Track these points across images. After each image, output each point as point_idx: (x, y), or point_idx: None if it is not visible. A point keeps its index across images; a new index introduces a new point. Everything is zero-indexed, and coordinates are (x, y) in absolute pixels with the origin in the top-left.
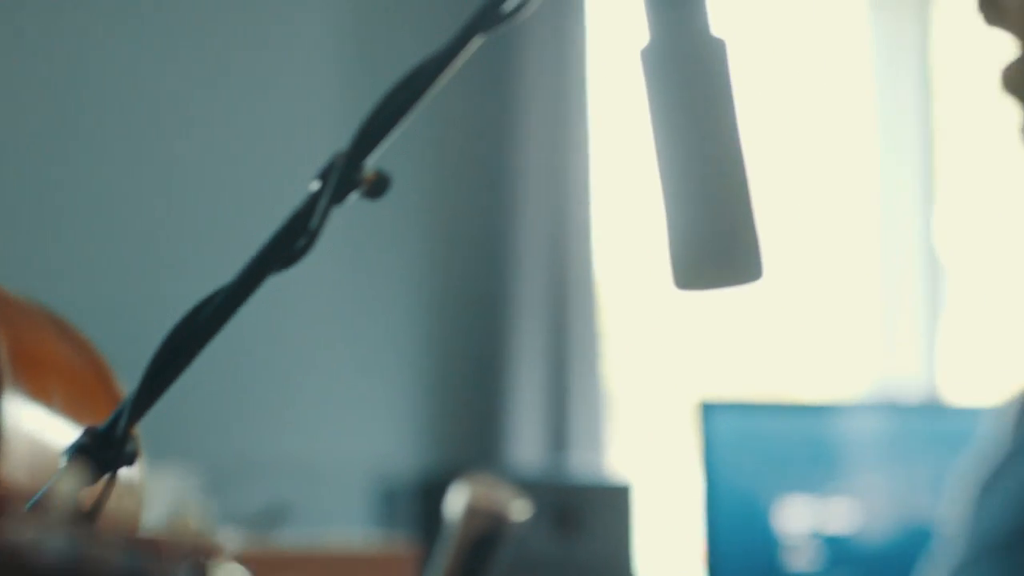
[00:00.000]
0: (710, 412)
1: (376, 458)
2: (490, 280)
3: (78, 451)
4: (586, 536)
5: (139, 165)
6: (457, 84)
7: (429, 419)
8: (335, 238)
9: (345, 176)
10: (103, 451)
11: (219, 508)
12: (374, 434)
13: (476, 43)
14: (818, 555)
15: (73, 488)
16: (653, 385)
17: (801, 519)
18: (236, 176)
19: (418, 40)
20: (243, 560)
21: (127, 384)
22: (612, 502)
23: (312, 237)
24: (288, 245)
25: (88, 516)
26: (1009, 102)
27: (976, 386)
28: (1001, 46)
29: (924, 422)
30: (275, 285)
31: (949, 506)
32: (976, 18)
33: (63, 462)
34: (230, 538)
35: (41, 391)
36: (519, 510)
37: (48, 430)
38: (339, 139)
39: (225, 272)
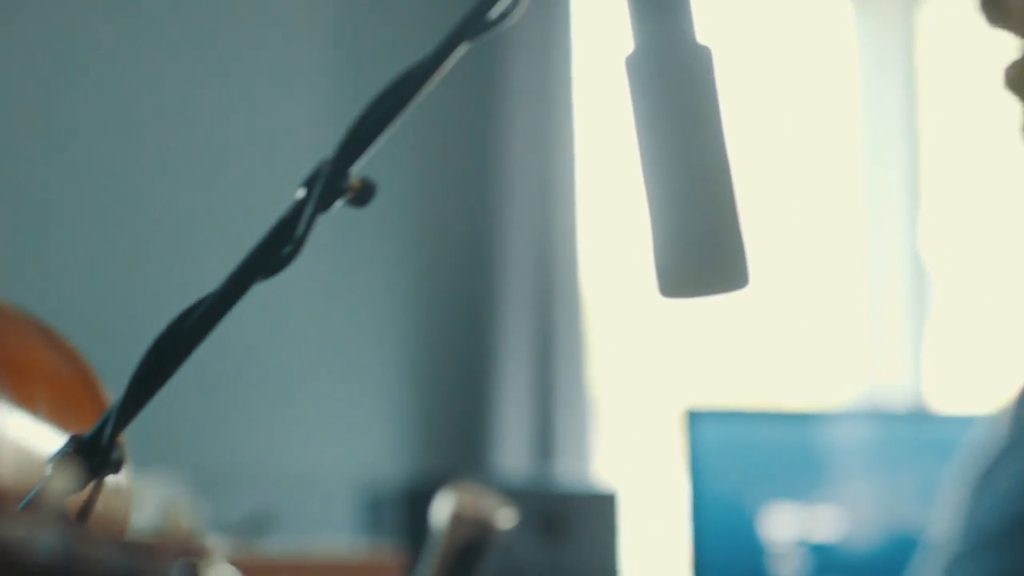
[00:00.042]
0: (696, 420)
1: (362, 466)
2: (476, 288)
3: (64, 459)
4: (572, 544)
5: (125, 172)
6: (443, 91)
7: (415, 427)
8: (321, 246)
9: (331, 183)
10: (89, 459)
11: (205, 515)
12: (360, 442)
13: (462, 50)
14: (804, 563)
15: (64, 488)
16: (639, 393)
17: (787, 527)
18: (222, 183)
19: (404, 47)
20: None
21: (113, 391)
22: (598, 510)
23: (298, 245)
24: (274, 253)
25: (78, 518)
26: (1010, 100)
27: (962, 394)
28: (990, 50)
29: (910, 430)
30: (261, 293)
31: (941, 509)
32: (977, 18)
33: (49, 470)
34: (216, 545)
35: (27, 398)
36: (505, 518)
37: (34, 437)
38: (325, 146)
39: (211, 279)
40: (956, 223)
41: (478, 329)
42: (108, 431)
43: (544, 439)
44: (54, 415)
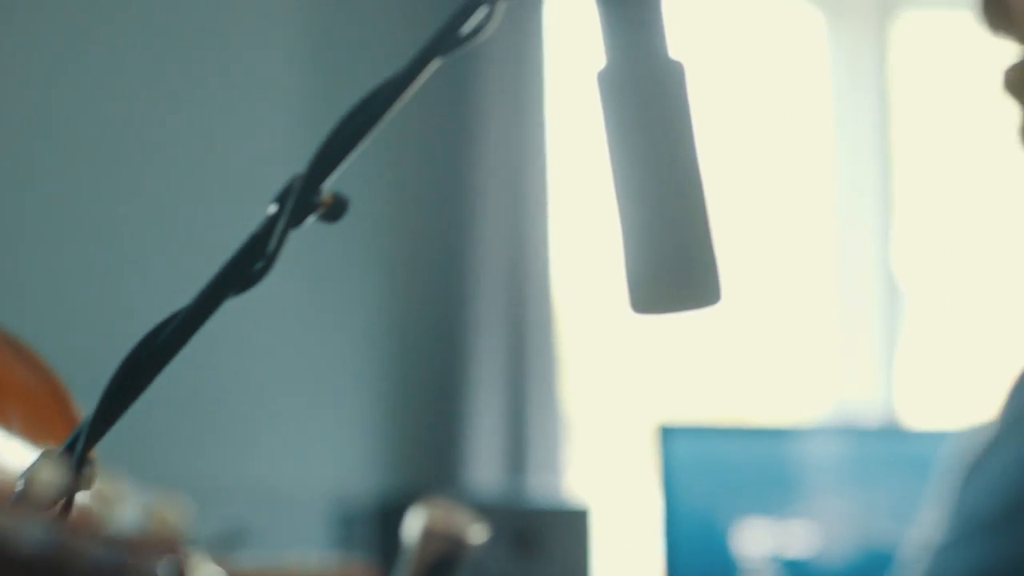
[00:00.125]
0: (669, 436)
1: (334, 481)
2: (448, 304)
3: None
4: (544, 560)
5: (96, 185)
6: (415, 107)
7: (387, 442)
8: (293, 261)
9: (303, 199)
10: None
11: (189, 514)
12: (332, 457)
13: (434, 66)
14: None
15: (51, 483)
16: (611, 408)
17: (760, 542)
18: (194, 198)
19: (376, 63)
20: None
21: (84, 407)
22: (570, 526)
23: (270, 260)
24: (245, 268)
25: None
26: (1010, 104)
27: (934, 410)
28: (962, 64)
29: (883, 445)
30: (232, 308)
31: (925, 511)
32: (979, 25)
33: (20, 485)
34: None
35: None
36: (477, 533)
37: (4, 452)
38: (296, 162)
39: (183, 295)
40: (928, 239)
41: (450, 345)
42: (79, 446)
43: (516, 455)
44: (25, 429)
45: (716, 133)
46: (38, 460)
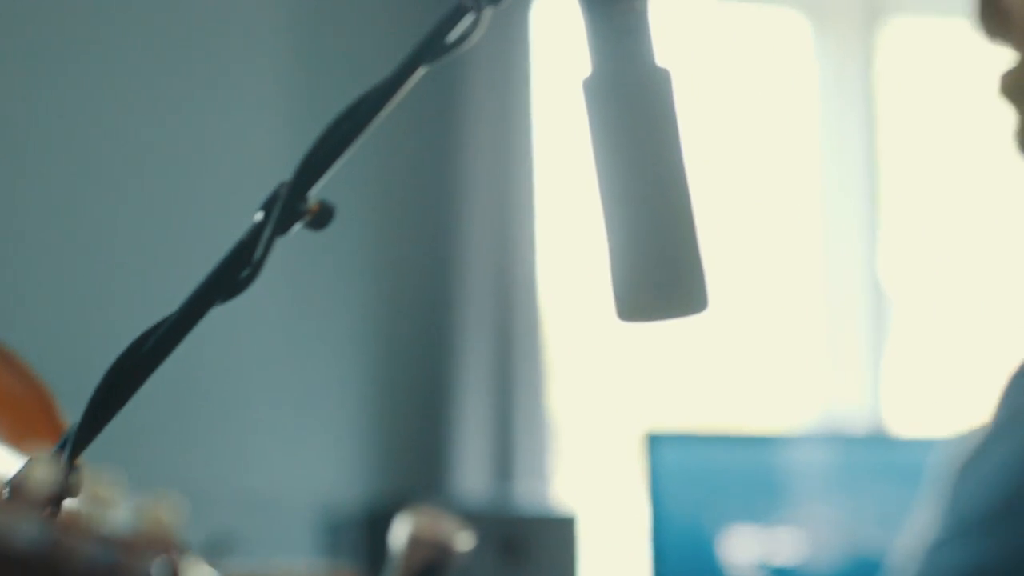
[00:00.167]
0: (656, 443)
1: (321, 489)
2: (435, 310)
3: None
4: (531, 567)
5: (82, 193)
6: (402, 114)
7: (374, 449)
8: (279, 268)
9: (289, 207)
10: None
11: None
12: (319, 464)
13: (420, 73)
14: None
15: (45, 481)
16: (598, 416)
17: (747, 550)
18: (180, 205)
19: (362, 70)
20: None
21: (70, 414)
22: (557, 533)
23: (256, 268)
24: (232, 276)
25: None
26: (1006, 107)
27: (921, 417)
28: (949, 72)
29: (869, 453)
30: (220, 315)
31: (917, 512)
32: (976, 32)
33: (5, 493)
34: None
35: None
36: (463, 540)
37: None
38: (283, 169)
39: (169, 302)
40: (915, 246)
41: (437, 352)
42: (66, 454)
43: (503, 462)
44: (11, 437)
45: (703, 140)
46: (32, 460)
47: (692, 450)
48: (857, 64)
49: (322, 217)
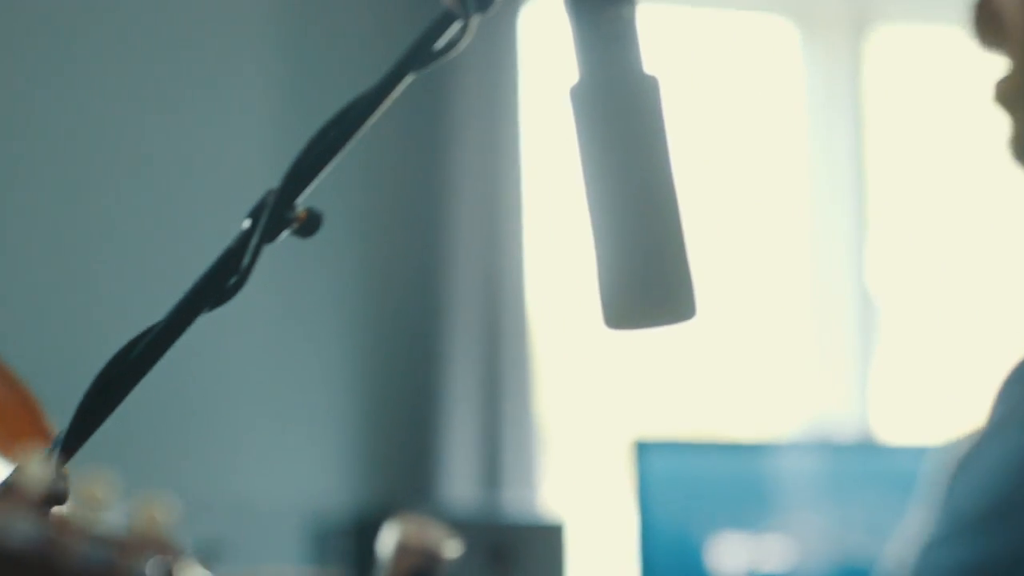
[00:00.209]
0: (645, 451)
1: (309, 496)
2: (423, 317)
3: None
4: (519, 575)
5: (69, 199)
6: (389, 121)
7: (362, 457)
8: (267, 276)
9: (276, 214)
10: None
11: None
12: (307, 472)
13: (408, 80)
14: None
15: (40, 480)
16: (587, 423)
17: (736, 558)
18: (168, 213)
19: (350, 77)
20: None
21: (58, 421)
22: (545, 541)
23: (244, 275)
24: (220, 283)
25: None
26: (1000, 115)
27: (910, 424)
28: (937, 79)
29: (857, 460)
30: (208, 322)
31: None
32: (971, 41)
33: (8, 483)
34: None
35: None
36: (451, 548)
37: None
38: (271, 177)
39: (157, 309)
40: (903, 253)
41: (425, 359)
42: (54, 461)
43: (491, 469)
44: None
45: (690, 147)
46: (26, 460)
47: (680, 458)
48: (845, 71)
49: (310, 225)
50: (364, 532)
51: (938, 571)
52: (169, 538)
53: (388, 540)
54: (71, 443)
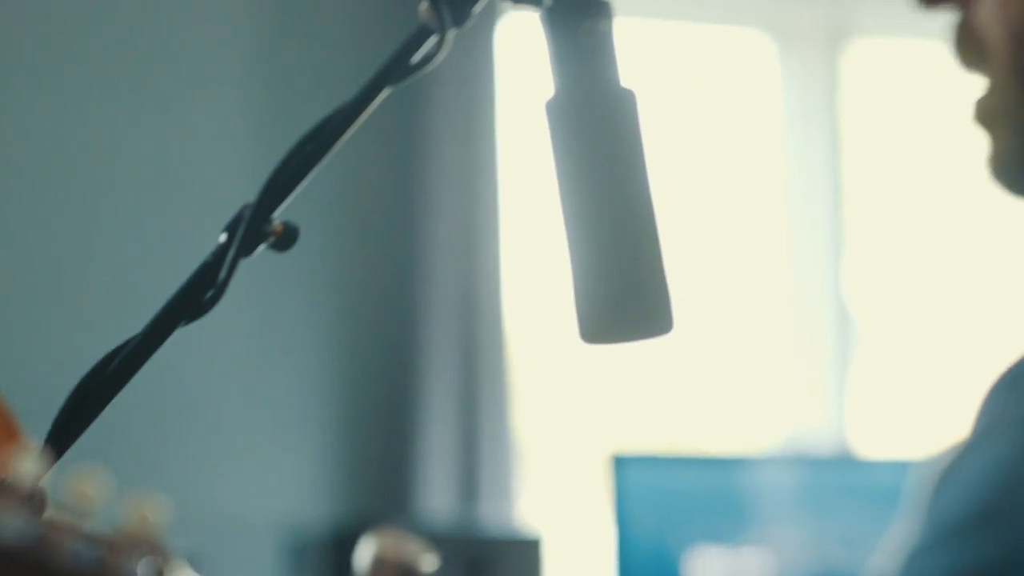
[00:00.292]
0: (622, 464)
1: (286, 509)
2: (400, 330)
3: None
4: None
5: (45, 212)
6: (366, 135)
7: (338, 470)
8: (244, 289)
9: (253, 228)
10: None
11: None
12: (283, 485)
13: (385, 94)
14: None
15: (31, 477)
16: (564, 437)
17: (714, 572)
18: (144, 226)
19: (328, 90)
20: None
21: (34, 435)
22: (522, 555)
23: (220, 289)
24: (196, 297)
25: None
26: (979, 134)
27: (887, 439)
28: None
29: (835, 475)
30: (184, 336)
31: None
32: (953, 61)
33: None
34: None
35: None
36: (428, 562)
37: None
38: (247, 191)
39: (134, 323)
40: (880, 267)
41: (402, 373)
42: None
43: (469, 483)
44: None
45: (667, 161)
46: (16, 457)
47: (658, 472)
48: (822, 85)
49: (286, 238)
50: (341, 545)
51: None
52: (160, 539)
53: (365, 554)
54: (49, 456)
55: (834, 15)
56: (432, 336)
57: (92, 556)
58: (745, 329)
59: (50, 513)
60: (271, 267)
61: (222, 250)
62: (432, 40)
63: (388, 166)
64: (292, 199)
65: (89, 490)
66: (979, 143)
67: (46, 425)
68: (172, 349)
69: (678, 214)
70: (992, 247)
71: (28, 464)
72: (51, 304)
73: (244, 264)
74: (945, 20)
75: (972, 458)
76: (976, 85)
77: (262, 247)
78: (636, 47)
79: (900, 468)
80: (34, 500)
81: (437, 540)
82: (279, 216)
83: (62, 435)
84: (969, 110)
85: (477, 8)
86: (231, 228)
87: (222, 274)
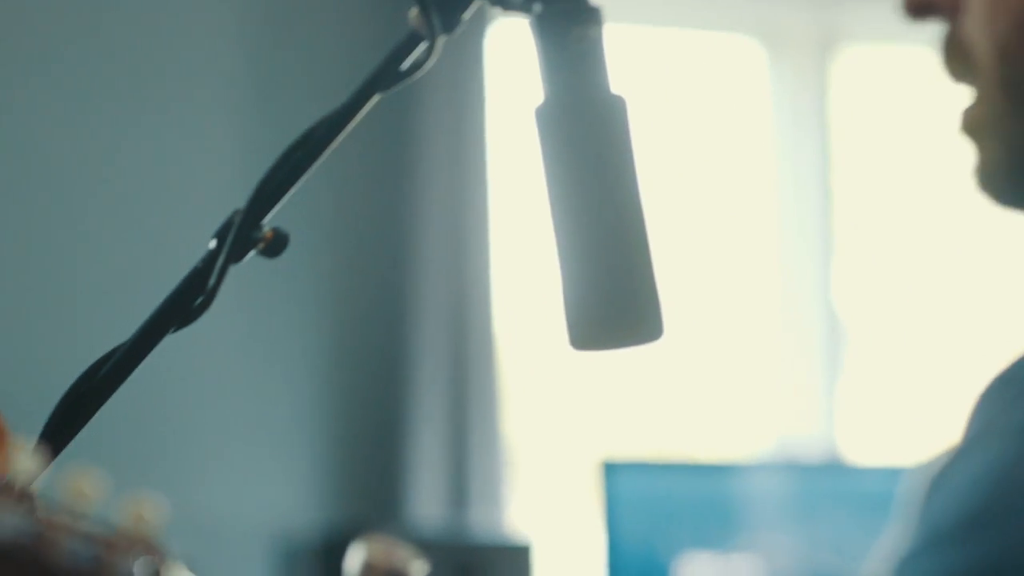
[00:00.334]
0: (612, 471)
1: (276, 516)
2: (390, 337)
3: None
4: None
5: (35, 220)
6: (356, 141)
7: (329, 477)
8: (234, 296)
9: (243, 234)
10: None
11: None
12: (274, 492)
13: (374, 101)
14: None
15: (29, 475)
16: (554, 444)
17: None
18: (134, 233)
19: (318, 97)
20: None
21: (24, 440)
22: (512, 561)
23: (210, 295)
24: (186, 303)
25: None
26: (966, 144)
27: (876, 445)
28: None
29: (825, 481)
30: (174, 342)
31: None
32: (941, 73)
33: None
34: None
35: None
36: (418, 569)
37: None
38: (237, 197)
39: (124, 328)
40: (870, 274)
41: (392, 379)
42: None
43: (458, 490)
44: None
45: (657, 168)
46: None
47: (648, 478)
48: (812, 91)
49: (276, 245)
50: (331, 552)
51: None
52: (157, 539)
53: (355, 560)
54: (41, 457)
55: (824, 21)
56: (422, 342)
57: (89, 555)
58: (735, 336)
59: (46, 512)
60: (261, 273)
61: (212, 256)
62: (422, 46)
63: (378, 172)
64: (282, 205)
65: (86, 489)
66: (966, 153)
67: (35, 431)
68: (162, 355)
69: (668, 221)
70: (981, 254)
71: (24, 464)
72: (41, 308)
73: (234, 270)
74: (934, 29)
75: (963, 463)
76: (963, 95)
77: (252, 253)
78: (626, 53)
79: (890, 474)
80: (28, 500)
81: (427, 546)
82: (269, 222)
83: (51, 441)
84: (956, 120)
85: (467, 14)
86: (221, 234)
87: (212, 280)
